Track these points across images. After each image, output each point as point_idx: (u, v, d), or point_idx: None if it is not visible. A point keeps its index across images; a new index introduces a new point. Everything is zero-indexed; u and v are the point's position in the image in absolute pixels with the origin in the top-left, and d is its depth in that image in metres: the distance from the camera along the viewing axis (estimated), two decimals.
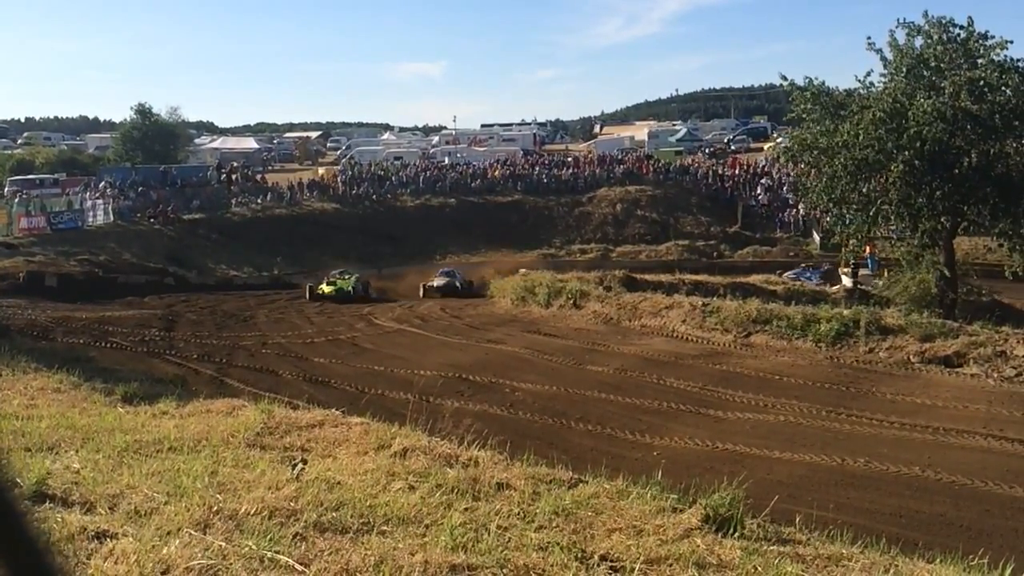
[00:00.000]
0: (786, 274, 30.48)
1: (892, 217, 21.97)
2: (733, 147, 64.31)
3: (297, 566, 3.80)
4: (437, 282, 30.76)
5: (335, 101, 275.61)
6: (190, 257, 36.09)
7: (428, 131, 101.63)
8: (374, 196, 46.73)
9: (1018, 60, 20.37)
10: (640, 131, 76.75)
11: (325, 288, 29.19)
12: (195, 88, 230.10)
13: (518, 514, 4.90)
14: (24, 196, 42.22)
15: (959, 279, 22.73)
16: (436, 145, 69.16)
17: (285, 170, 58.79)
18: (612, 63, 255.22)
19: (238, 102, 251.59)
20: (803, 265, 34.12)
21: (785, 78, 22.67)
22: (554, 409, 12.44)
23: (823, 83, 22.25)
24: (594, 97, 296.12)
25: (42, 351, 14.97)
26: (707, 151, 60.70)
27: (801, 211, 41.08)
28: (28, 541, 1.40)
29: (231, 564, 3.72)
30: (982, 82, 19.99)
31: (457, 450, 6.61)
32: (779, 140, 50.22)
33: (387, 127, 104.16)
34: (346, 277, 30.37)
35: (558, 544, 4.31)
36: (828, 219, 26.67)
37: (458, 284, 30.71)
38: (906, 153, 19.87)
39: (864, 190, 21.41)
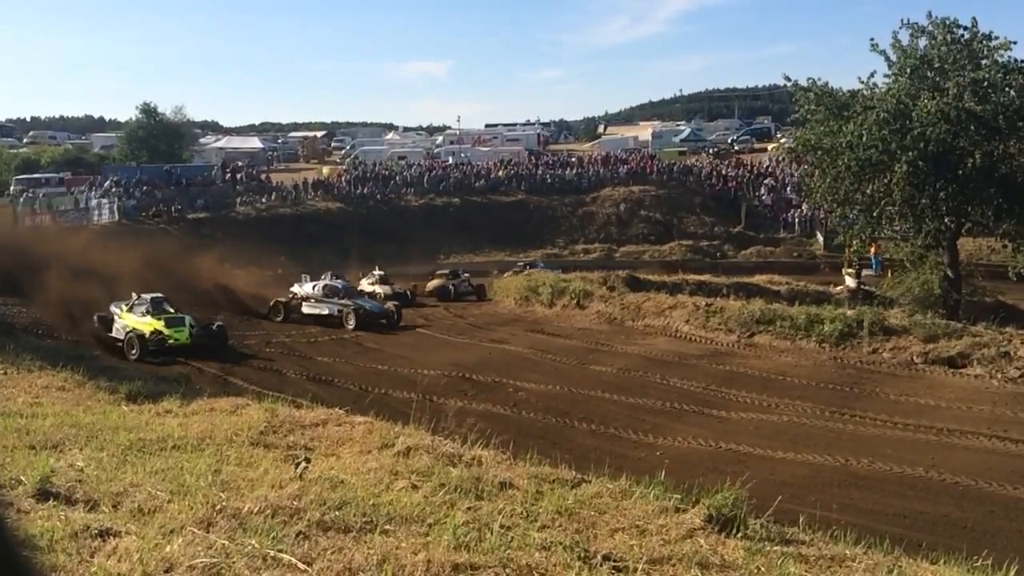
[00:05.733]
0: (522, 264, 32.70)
1: (896, 218, 21.93)
2: (737, 147, 64.18)
3: (300, 564, 3.80)
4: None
5: (340, 101, 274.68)
6: None
7: (432, 131, 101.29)
8: (378, 195, 46.69)
9: (1022, 61, 20.31)
10: (644, 131, 76.56)
11: (153, 326, 17.52)
12: (200, 87, 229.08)
13: (521, 513, 4.90)
14: (29, 195, 42.36)
15: (963, 280, 22.64)
16: (440, 145, 68.93)
17: (289, 169, 58.70)
18: (616, 63, 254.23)
19: (243, 101, 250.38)
20: (531, 259, 37.21)
21: (789, 79, 22.56)
22: (557, 409, 12.44)
23: (827, 84, 22.21)
24: (598, 97, 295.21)
25: (47, 349, 15.01)
26: (711, 151, 60.53)
27: (805, 211, 41.02)
28: (2, 536, 1.41)
29: (234, 562, 3.73)
30: (986, 83, 19.93)
31: (460, 449, 6.63)
32: (783, 140, 50.12)
33: (391, 127, 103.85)
34: (166, 309, 18.31)
35: (561, 543, 4.32)
36: (832, 219, 26.59)
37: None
38: (910, 154, 19.81)
39: (868, 191, 21.33)
